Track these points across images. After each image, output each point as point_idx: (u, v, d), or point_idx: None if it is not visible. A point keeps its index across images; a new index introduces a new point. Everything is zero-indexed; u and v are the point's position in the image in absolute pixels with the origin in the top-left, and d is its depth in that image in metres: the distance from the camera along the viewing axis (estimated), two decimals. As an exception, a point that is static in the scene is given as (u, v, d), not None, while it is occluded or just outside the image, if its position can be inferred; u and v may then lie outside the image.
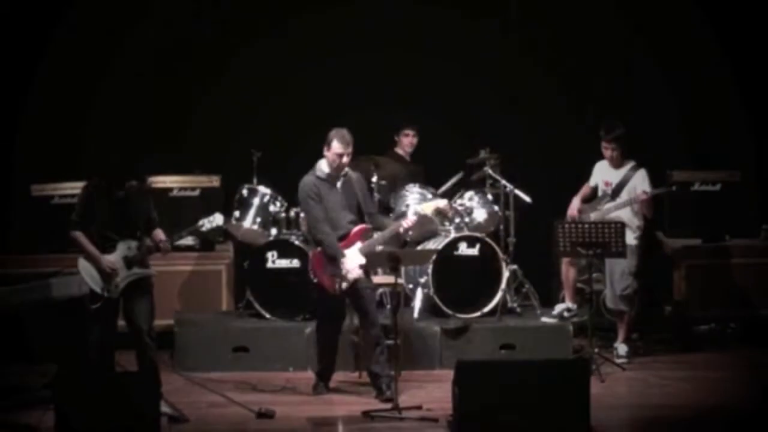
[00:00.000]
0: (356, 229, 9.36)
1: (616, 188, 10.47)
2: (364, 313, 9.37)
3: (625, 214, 10.35)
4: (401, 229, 9.51)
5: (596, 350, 10.05)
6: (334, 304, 9.41)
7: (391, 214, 10.55)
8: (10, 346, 9.46)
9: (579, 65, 11.88)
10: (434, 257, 10.21)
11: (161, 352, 9.15)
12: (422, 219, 9.88)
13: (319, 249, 9.31)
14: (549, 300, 11.19)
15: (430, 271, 10.47)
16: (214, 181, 11.29)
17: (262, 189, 10.83)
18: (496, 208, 10.95)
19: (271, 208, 10.81)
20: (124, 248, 8.75)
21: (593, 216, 10.43)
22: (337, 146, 9.29)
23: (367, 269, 9.36)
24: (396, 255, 9.10)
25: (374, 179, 10.59)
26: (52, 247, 10.41)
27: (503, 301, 10.64)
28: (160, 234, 8.91)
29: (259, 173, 10.97)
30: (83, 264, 8.77)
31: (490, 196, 10.98)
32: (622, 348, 10.46)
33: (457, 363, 8.51)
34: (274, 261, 10.56)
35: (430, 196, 10.76)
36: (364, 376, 9.63)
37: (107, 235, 8.75)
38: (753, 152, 11.74)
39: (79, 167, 10.75)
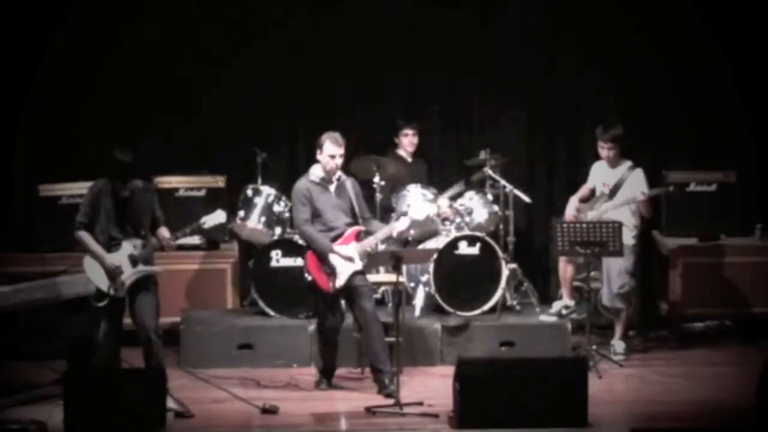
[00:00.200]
0: (351, 230, 9.46)
1: (614, 188, 10.47)
2: (361, 311, 9.39)
3: (623, 214, 10.35)
4: (393, 233, 9.61)
5: (594, 347, 10.11)
6: (330, 303, 9.48)
7: (392, 214, 10.56)
8: (18, 344, 9.44)
9: (579, 65, 11.87)
10: (435, 256, 10.24)
11: (167, 349, 9.18)
12: (416, 222, 9.99)
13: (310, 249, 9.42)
14: (548, 298, 11.25)
15: (431, 269, 10.50)
16: (220, 182, 11.32)
17: (267, 189, 10.86)
18: (496, 208, 10.97)
19: (276, 207, 10.85)
20: (129, 247, 8.78)
21: (591, 215, 10.45)
22: (329, 147, 9.35)
23: (363, 270, 9.43)
24: (398, 254, 9.19)
25: (376, 180, 10.57)
26: (60, 247, 10.43)
27: (503, 299, 10.68)
28: (164, 232, 8.92)
29: (264, 173, 11.04)
30: (89, 263, 8.81)
31: (490, 197, 10.99)
32: (619, 345, 10.49)
33: (457, 360, 8.67)
34: (278, 260, 10.59)
35: (431, 196, 10.78)
36: (366, 372, 9.68)
37: (112, 234, 8.79)
38: (752, 152, 11.56)
39: (80, 167, 10.83)
